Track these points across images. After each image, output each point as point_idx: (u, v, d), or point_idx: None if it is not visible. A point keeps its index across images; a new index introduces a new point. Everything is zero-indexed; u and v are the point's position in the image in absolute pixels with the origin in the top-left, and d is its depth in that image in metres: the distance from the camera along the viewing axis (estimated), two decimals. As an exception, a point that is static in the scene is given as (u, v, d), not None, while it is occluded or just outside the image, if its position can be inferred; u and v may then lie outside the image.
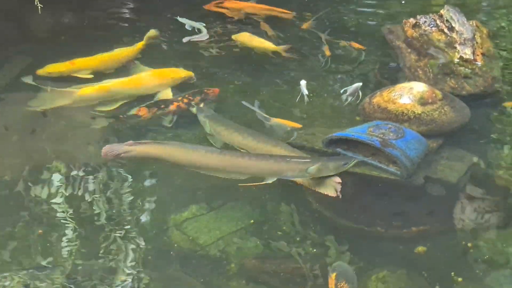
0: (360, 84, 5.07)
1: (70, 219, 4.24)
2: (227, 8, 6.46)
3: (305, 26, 6.27)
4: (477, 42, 5.52)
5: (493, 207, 4.25)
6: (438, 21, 5.76)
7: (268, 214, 4.27)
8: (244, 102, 5.07)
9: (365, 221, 4.14)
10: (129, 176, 4.57)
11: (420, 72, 5.39)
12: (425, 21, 5.80)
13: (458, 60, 5.41)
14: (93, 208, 4.33)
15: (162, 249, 4.04)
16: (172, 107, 5.09)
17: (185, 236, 4.11)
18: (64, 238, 4.11)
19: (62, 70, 5.47)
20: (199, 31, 6.08)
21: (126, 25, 6.47)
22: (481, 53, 5.45)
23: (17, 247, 4.06)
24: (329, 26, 6.29)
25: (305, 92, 5.08)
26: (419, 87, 4.82)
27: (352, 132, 4.51)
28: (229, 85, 5.49)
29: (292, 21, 6.43)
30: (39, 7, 5.60)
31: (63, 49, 5.87)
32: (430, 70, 5.37)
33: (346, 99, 5.10)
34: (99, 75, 5.43)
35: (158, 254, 4.02)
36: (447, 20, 5.70)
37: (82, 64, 5.51)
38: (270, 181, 4.25)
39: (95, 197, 4.40)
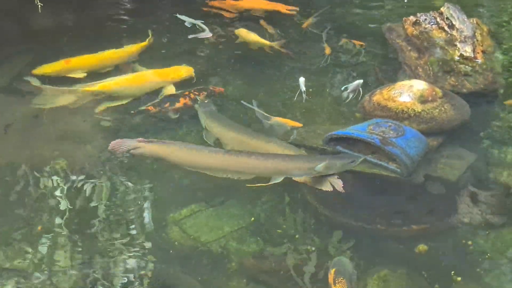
0: (361, 81, 5.07)
1: (69, 217, 4.23)
2: (226, 10, 6.50)
3: (305, 24, 6.28)
4: (477, 40, 5.51)
5: (493, 206, 4.24)
6: (438, 19, 5.75)
7: (268, 213, 4.27)
8: (243, 102, 5.07)
9: (365, 219, 4.13)
10: (129, 174, 4.57)
11: (420, 70, 5.38)
12: (425, 19, 5.79)
13: (458, 58, 5.40)
14: (92, 206, 4.33)
15: (162, 247, 4.04)
16: (179, 104, 5.13)
17: (185, 234, 4.11)
18: (63, 236, 4.11)
19: (58, 69, 5.47)
20: (201, 28, 6.09)
21: (126, 24, 6.48)
22: (482, 51, 5.44)
23: (17, 245, 4.06)
24: (329, 24, 6.30)
25: (303, 89, 5.08)
26: (419, 85, 4.81)
27: (352, 130, 4.51)
28: (229, 83, 5.50)
29: (292, 19, 6.44)
30: (39, 6, 5.61)
31: (63, 48, 5.88)
32: (430, 68, 5.37)
33: (347, 96, 5.10)
34: (95, 75, 5.45)
35: (157, 252, 4.02)
36: (447, 18, 5.69)
37: (77, 63, 5.51)
38: (277, 181, 4.25)
39: (95, 195, 4.41)
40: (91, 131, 5.01)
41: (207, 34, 6.01)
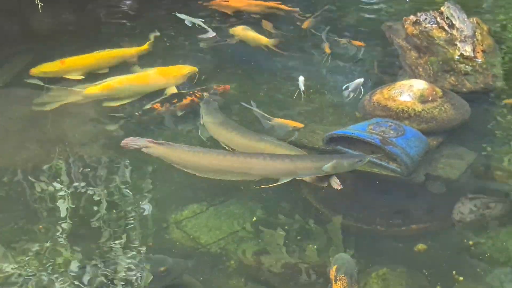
0: (362, 80, 5.08)
1: (69, 217, 4.24)
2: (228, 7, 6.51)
3: (305, 24, 6.28)
4: (477, 39, 5.51)
5: (493, 205, 4.24)
6: (438, 18, 5.75)
7: (269, 213, 4.27)
8: (243, 103, 5.06)
9: (366, 219, 4.14)
10: (130, 174, 4.57)
11: (420, 69, 5.38)
12: (426, 18, 5.80)
13: (458, 57, 5.41)
14: (93, 206, 4.33)
15: (163, 247, 4.04)
16: (186, 101, 5.15)
17: (186, 234, 4.11)
18: (64, 235, 4.10)
19: (53, 70, 5.48)
20: (201, 27, 6.10)
21: (127, 24, 6.49)
22: (482, 50, 5.44)
23: (18, 243, 4.07)
24: (329, 24, 6.30)
25: (302, 87, 5.08)
26: (419, 85, 4.81)
27: (352, 130, 4.51)
28: (229, 83, 5.49)
29: (293, 20, 6.44)
30: (39, 6, 5.61)
31: (63, 48, 5.88)
32: (431, 67, 5.37)
33: (348, 95, 5.10)
34: (94, 76, 5.46)
35: (159, 252, 4.01)
36: (447, 17, 5.69)
37: (72, 64, 5.52)
38: (285, 181, 4.24)
39: (95, 195, 4.41)
40: (91, 131, 5.01)
41: (210, 34, 6.04)
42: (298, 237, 4.09)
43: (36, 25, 6.16)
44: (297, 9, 6.55)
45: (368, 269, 3.81)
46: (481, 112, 5.03)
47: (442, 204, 4.28)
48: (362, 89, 5.06)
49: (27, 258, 3.92)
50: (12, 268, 3.83)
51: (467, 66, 5.32)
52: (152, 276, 3.75)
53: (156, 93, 5.31)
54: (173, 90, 5.31)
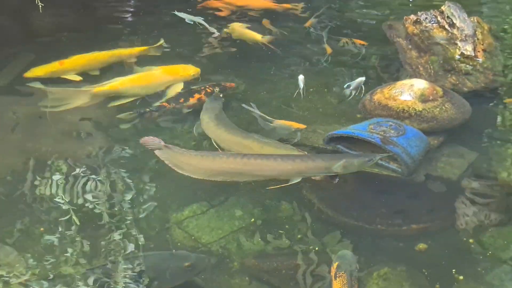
0: (363, 78, 5.08)
1: (71, 217, 4.24)
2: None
3: (307, 24, 6.29)
4: (478, 39, 5.51)
5: (494, 204, 4.25)
6: (439, 18, 5.75)
7: (269, 212, 4.27)
8: (244, 105, 5.05)
9: (366, 218, 4.14)
10: (131, 175, 4.57)
11: (421, 68, 5.38)
12: (426, 18, 5.79)
13: (459, 57, 5.40)
14: (95, 206, 4.33)
15: (164, 248, 4.04)
16: (193, 100, 5.17)
17: (187, 235, 4.11)
18: (65, 236, 4.11)
19: (51, 71, 5.49)
20: (201, 25, 6.12)
21: (128, 24, 6.49)
22: (482, 50, 5.44)
23: (19, 244, 4.07)
24: (330, 23, 6.30)
25: (301, 86, 5.09)
26: (420, 84, 4.81)
27: (353, 129, 4.51)
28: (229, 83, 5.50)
29: (294, 19, 6.44)
30: (40, 6, 5.62)
31: (64, 48, 5.88)
32: (431, 66, 5.37)
33: (350, 94, 5.10)
34: (86, 76, 5.49)
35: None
36: (448, 17, 5.69)
37: (70, 64, 5.53)
38: (296, 181, 4.23)
39: (97, 195, 4.41)
40: (92, 131, 5.02)
41: (212, 30, 6.07)
42: (299, 236, 4.09)
43: (37, 25, 6.16)
44: (302, 4, 6.57)
45: (369, 269, 3.81)
46: (481, 111, 5.03)
47: (442, 204, 4.29)
48: (364, 88, 5.06)
49: (31, 259, 3.93)
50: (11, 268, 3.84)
51: (467, 66, 5.32)
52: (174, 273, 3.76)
53: (161, 92, 5.35)
54: (179, 87, 5.33)
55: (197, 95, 5.20)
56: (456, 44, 5.48)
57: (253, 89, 5.44)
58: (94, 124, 5.09)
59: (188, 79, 5.47)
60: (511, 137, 4.82)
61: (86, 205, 4.34)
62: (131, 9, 6.74)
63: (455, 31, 5.59)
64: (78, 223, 4.19)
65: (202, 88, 5.27)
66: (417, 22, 5.80)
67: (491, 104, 5.17)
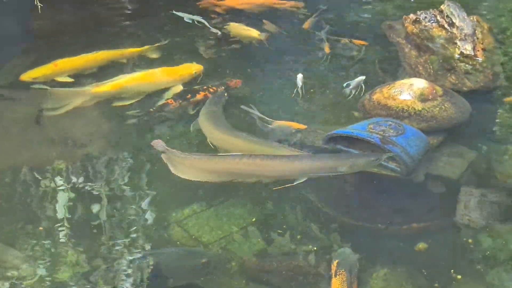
0: (363, 77, 5.08)
1: (70, 217, 4.24)
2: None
3: (306, 25, 6.29)
4: (477, 38, 5.50)
5: (493, 204, 4.24)
6: (438, 17, 5.74)
7: (269, 212, 4.27)
8: (243, 106, 5.04)
9: (366, 218, 4.14)
10: (131, 175, 4.57)
11: (421, 68, 5.38)
12: (425, 17, 5.79)
13: (458, 56, 5.40)
14: (94, 206, 4.34)
15: (164, 247, 4.04)
16: (199, 96, 5.19)
17: (187, 234, 4.12)
18: (64, 235, 4.11)
19: (46, 73, 5.49)
20: (202, 24, 6.13)
21: (129, 24, 6.48)
22: (482, 49, 5.44)
23: (18, 245, 4.07)
24: (329, 23, 6.30)
25: (299, 85, 5.08)
26: (419, 84, 4.81)
27: (352, 129, 4.51)
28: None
29: (294, 19, 6.44)
30: (39, 7, 5.63)
31: (65, 48, 5.88)
32: (431, 66, 5.37)
33: (350, 93, 5.10)
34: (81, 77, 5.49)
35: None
36: (447, 16, 5.69)
37: (65, 66, 5.53)
38: (301, 180, 4.24)
39: (96, 196, 4.41)
40: (92, 132, 5.02)
41: (216, 32, 6.09)
42: (299, 236, 4.09)
43: (37, 25, 6.16)
44: (302, 4, 6.58)
45: (369, 269, 3.81)
46: (481, 110, 5.02)
47: (442, 203, 4.29)
48: (363, 87, 5.06)
49: (32, 258, 3.94)
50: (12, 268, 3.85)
51: (467, 65, 5.31)
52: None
53: (163, 92, 5.35)
54: (179, 88, 5.33)
55: (202, 93, 5.21)
56: (456, 43, 5.48)
57: (252, 89, 5.44)
58: (95, 124, 5.08)
59: (190, 77, 5.48)
60: (510, 137, 4.82)
61: (85, 205, 4.34)
62: (132, 9, 6.73)
63: (454, 30, 5.58)
64: (78, 222, 4.19)
65: (207, 86, 5.28)
66: (416, 21, 5.80)
67: (490, 103, 5.17)
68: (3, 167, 4.65)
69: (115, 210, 4.30)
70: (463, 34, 5.51)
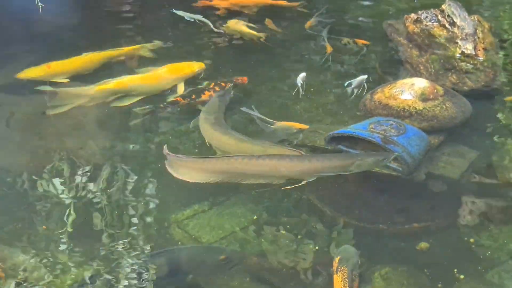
0: (366, 76, 5.08)
1: (72, 216, 4.24)
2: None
3: (308, 24, 6.29)
4: (478, 37, 5.50)
5: (494, 203, 4.25)
6: (439, 16, 5.74)
7: (270, 212, 4.27)
8: (243, 108, 5.02)
9: (367, 217, 4.14)
10: (132, 174, 4.57)
11: (422, 67, 5.38)
12: (427, 16, 5.78)
13: (459, 55, 5.40)
14: (95, 206, 4.34)
15: (164, 247, 4.04)
16: (207, 93, 5.20)
17: (187, 234, 4.12)
18: (66, 236, 4.11)
19: (40, 74, 5.48)
20: (202, 23, 6.13)
21: (130, 24, 6.48)
22: (483, 48, 5.43)
23: (21, 243, 4.08)
24: (330, 23, 6.30)
25: (299, 83, 5.08)
26: (420, 83, 4.81)
27: (353, 129, 4.51)
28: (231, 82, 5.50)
29: (296, 19, 6.44)
30: (40, 6, 5.63)
31: (65, 48, 5.88)
32: (432, 65, 5.37)
33: (352, 92, 5.10)
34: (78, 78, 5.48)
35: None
36: (448, 15, 5.68)
37: (59, 68, 5.53)
38: (310, 180, 4.25)
39: (97, 195, 4.42)
40: (93, 131, 5.02)
41: (218, 30, 6.11)
42: (300, 236, 4.09)
43: (39, 24, 6.16)
44: (302, 2, 6.59)
45: (370, 268, 3.81)
46: (482, 110, 5.02)
47: (443, 203, 4.29)
48: (366, 86, 5.06)
49: (34, 259, 3.94)
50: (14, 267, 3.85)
51: (468, 64, 5.31)
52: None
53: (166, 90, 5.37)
54: (183, 86, 5.35)
55: (207, 92, 5.22)
56: (457, 42, 5.48)
57: (253, 89, 5.44)
58: (97, 123, 5.09)
59: (193, 75, 5.48)
60: (511, 136, 4.81)
61: (87, 204, 4.34)
62: (132, 9, 6.73)
63: (455, 29, 5.58)
64: (80, 221, 4.20)
65: (215, 83, 5.29)
66: (417, 21, 5.80)
67: (491, 102, 5.17)
68: (5, 167, 4.65)
69: (115, 211, 4.30)
70: (464, 34, 5.51)
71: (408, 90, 4.77)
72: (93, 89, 5.24)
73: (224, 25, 6.18)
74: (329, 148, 4.57)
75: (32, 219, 4.23)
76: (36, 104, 5.23)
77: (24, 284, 3.75)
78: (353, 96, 5.11)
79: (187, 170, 4.37)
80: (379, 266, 3.81)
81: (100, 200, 4.37)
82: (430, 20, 5.75)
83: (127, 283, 3.74)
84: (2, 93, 5.44)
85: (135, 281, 3.76)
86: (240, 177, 4.32)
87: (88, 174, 4.57)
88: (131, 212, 4.29)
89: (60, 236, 4.10)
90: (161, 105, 5.15)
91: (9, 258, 3.90)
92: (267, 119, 4.89)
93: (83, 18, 6.44)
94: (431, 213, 4.21)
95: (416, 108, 4.69)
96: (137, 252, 3.98)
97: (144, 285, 3.73)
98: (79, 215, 4.26)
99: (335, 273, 3.66)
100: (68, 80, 5.46)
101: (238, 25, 6.10)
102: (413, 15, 5.86)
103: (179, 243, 4.07)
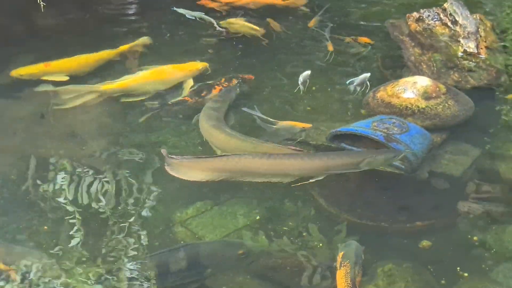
0: (368, 74, 5.08)
1: (75, 216, 4.24)
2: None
3: (311, 23, 6.28)
4: (480, 36, 5.51)
5: (497, 201, 4.24)
6: (441, 15, 5.75)
7: (273, 210, 4.27)
8: (245, 109, 4.99)
9: (370, 216, 4.14)
10: (134, 174, 4.57)
11: (424, 66, 5.38)
12: (429, 15, 5.79)
13: (461, 54, 5.41)
14: (98, 205, 4.34)
15: (168, 246, 4.04)
16: (215, 92, 5.21)
17: (191, 233, 4.11)
18: (69, 235, 4.11)
19: (36, 72, 5.48)
20: (203, 20, 6.13)
21: (131, 24, 6.48)
22: (485, 47, 5.44)
23: (22, 244, 4.08)
24: (333, 22, 6.30)
25: (301, 80, 5.08)
26: (423, 81, 4.82)
27: (356, 127, 4.51)
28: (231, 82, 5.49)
29: (298, 18, 6.44)
30: (42, 6, 5.63)
31: (66, 47, 5.88)
32: (434, 64, 5.37)
33: (354, 90, 5.10)
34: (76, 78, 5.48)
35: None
36: (450, 14, 5.69)
37: (56, 67, 5.53)
38: (320, 178, 4.24)
39: (100, 194, 4.41)
40: (95, 130, 5.02)
41: (222, 29, 6.11)
42: (303, 234, 4.09)
43: (39, 24, 6.16)
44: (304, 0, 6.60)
45: (373, 265, 3.81)
46: (484, 108, 5.02)
47: (446, 201, 4.29)
48: (368, 84, 5.06)
49: (32, 257, 3.94)
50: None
51: (470, 63, 5.32)
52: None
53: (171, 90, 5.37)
54: (190, 83, 5.35)
55: (218, 88, 5.23)
56: (459, 41, 5.49)
57: (256, 87, 5.44)
58: (99, 123, 5.08)
59: (197, 73, 5.48)
60: (514, 134, 4.83)
61: (89, 204, 4.34)
62: (133, 9, 6.73)
63: (457, 28, 5.59)
64: (82, 221, 4.20)
65: (221, 81, 5.30)
66: (419, 19, 5.80)
67: (494, 101, 5.16)
68: (9, 163, 4.65)
69: (118, 209, 4.30)
70: (466, 32, 5.51)
71: (411, 89, 4.78)
72: (100, 87, 5.24)
73: (223, 23, 6.18)
74: (332, 146, 4.56)
75: (35, 217, 4.23)
76: (36, 104, 5.23)
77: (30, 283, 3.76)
78: (356, 94, 5.11)
79: (190, 170, 4.37)
80: (382, 263, 3.81)
81: (103, 199, 4.37)
82: (432, 19, 5.76)
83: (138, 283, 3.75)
84: (2, 93, 5.45)
85: (151, 278, 3.77)
86: (249, 176, 4.31)
87: (90, 175, 4.56)
88: (135, 212, 4.28)
89: (61, 237, 4.10)
90: (169, 103, 5.16)
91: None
92: (269, 119, 4.88)
93: (83, 18, 6.45)
94: (434, 211, 4.21)
95: (418, 107, 4.69)
96: (138, 252, 3.98)
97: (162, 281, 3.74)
98: (81, 215, 4.25)
99: (338, 268, 3.66)
100: (67, 77, 5.45)
101: (237, 22, 6.10)
102: (415, 14, 5.87)
103: (182, 241, 4.06)
